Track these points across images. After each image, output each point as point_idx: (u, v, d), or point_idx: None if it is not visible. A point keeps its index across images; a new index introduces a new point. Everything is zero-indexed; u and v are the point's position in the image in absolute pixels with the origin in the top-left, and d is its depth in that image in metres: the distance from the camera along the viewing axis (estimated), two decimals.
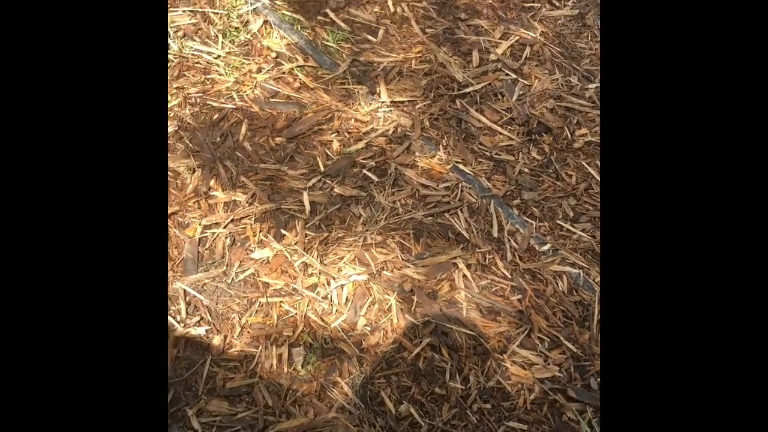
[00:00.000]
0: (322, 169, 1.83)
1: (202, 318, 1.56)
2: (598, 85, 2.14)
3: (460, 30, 2.24)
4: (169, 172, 1.74)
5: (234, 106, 1.92)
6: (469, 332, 1.59)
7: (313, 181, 1.80)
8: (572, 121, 2.03)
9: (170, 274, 1.60)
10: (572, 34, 2.31)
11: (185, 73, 1.97)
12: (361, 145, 1.90)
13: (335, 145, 1.89)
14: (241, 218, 1.71)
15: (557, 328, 1.63)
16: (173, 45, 2.00)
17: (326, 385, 1.50)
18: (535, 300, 1.66)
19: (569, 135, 1.99)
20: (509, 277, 1.69)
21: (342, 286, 1.63)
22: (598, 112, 2.07)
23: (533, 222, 1.80)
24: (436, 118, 1.99)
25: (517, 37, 2.24)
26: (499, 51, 2.19)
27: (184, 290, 1.59)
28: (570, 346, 1.59)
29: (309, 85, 2.01)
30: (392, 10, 2.27)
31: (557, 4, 2.40)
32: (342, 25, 2.19)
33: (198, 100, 1.92)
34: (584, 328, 1.63)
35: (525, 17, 2.33)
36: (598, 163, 1.94)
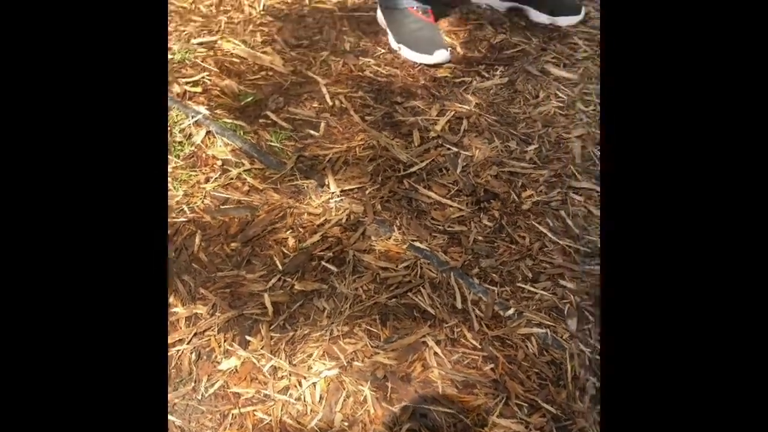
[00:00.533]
0: (281, 267, 1.85)
1: None
2: (537, 146, 2.23)
3: (397, 113, 2.33)
4: None
5: (186, 219, 1.94)
6: (447, 410, 1.58)
7: (273, 281, 1.81)
8: (517, 184, 2.10)
9: None
10: (505, 101, 2.42)
11: None
12: (316, 237, 1.92)
13: (291, 241, 1.91)
14: (204, 330, 1.70)
15: (534, 391, 1.62)
16: None
17: None
18: (508, 366, 1.66)
19: (516, 198, 2.05)
20: (479, 347, 1.70)
21: (314, 384, 1.61)
22: (541, 171, 2.14)
23: (494, 288, 1.82)
24: (386, 200, 2.04)
25: (453, 112, 2.34)
26: (438, 127, 2.27)
27: None
28: (549, 407, 1.59)
29: (258, 187, 2.05)
30: (330, 103, 2.36)
31: (486, 75, 2.52)
32: (283, 124, 2.26)
33: None
34: (560, 387, 1.63)
35: (458, 92, 2.44)
36: (549, 221, 1.99)
